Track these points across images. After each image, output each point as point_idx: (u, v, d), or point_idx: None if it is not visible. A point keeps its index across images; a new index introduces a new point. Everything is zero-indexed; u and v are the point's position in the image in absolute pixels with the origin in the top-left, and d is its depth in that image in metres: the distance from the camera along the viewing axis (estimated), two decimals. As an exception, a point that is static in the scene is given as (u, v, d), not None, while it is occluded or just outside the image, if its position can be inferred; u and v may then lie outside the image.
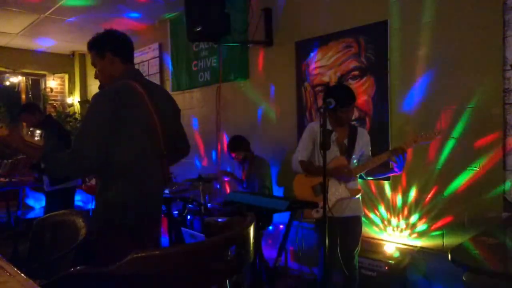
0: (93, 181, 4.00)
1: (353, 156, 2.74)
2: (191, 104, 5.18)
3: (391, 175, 2.90)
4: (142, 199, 2.03)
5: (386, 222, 3.29)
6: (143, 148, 2.01)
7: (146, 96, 2.02)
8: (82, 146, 1.86)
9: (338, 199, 2.68)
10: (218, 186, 4.82)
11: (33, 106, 4.24)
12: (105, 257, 1.87)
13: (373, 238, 3.33)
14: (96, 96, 1.96)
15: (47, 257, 2.01)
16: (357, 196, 2.74)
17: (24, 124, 4.26)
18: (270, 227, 3.98)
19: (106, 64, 2.11)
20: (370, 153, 2.80)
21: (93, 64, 2.16)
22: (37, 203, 6.01)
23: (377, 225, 3.34)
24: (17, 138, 1.93)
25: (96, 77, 2.17)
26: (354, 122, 3.15)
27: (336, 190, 2.68)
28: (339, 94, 2.64)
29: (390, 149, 3.15)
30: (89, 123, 1.93)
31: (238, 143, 3.94)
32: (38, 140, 1.99)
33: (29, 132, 7.27)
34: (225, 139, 4.70)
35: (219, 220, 3.64)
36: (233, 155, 3.94)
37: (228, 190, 4.72)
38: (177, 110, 2.33)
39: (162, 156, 2.11)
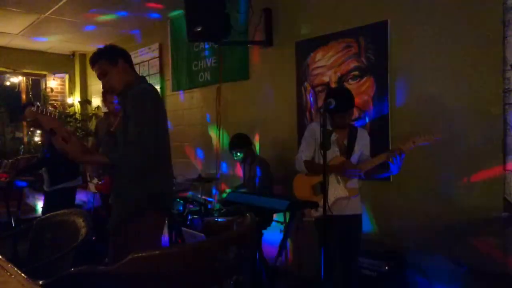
0: (95, 180, 3.99)
1: (353, 157, 2.74)
2: (191, 104, 5.18)
3: (388, 175, 2.90)
4: (171, 190, 2.40)
5: (386, 222, 3.29)
6: (166, 146, 2.29)
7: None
8: (141, 137, 2.04)
9: (337, 198, 2.69)
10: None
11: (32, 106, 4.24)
12: (144, 240, 2.09)
13: (373, 238, 3.33)
14: (143, 91, 2.17)
15: (47, 257, 2.01)
16: (356, 196, 2.75)
17: (25, 123, 4.27)
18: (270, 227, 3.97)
19: (120, 70, 2.25)
20: (369, 154, 2.80)
21: (103, 74, 2.27)
22: (37, 203, 6.02)
23: (377, 225, 3.34)
24: (77, 146, 1.98)
25: (106, 87, 2.31)
26: (354, 122, 3.15)
27: (335, 190, 2.69)
28: (338, 97, 2.64)
29: (389, 149, 3.16)
30: (143, 115, 2.10)
31: (238, 141, 3.92)
32: (38, 141, 2.02)
33: (29, 132, 7.28)
34: (225, 139, 4.70)
35: (219, 220, 3.64)
36: (234, 153, 3.92)
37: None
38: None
39: (170, 155, 2.36)
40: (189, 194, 4.43)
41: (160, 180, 2.22)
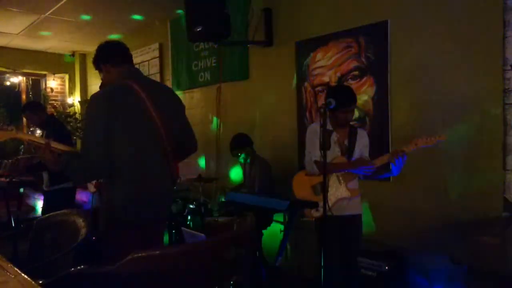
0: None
1: (353, 158, 2.74)
2: (191, 104, 5.18)
3: (388, 176, 2.90)
4: (146, 197, 2.06)
5: (386, 222, 3.29)
6: (143, 146, 2.05)
7: (145, 94, 2.05)
8: (88, 152, 1.93)
9: (338, 199, 2.68)
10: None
11: (36, 105, 4.23)
12: (112, 256, 1.90)
13: (373, 238, 3.33)
14: (91, 98, 2.06)
15: (47, 257, 2.01)
16: (357, 196, 2.75)
17: (25, 122, 4.27)
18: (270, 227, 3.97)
19: (104, 74, 2.22)
20: (367, 155, 2.79)
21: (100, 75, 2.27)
22: (37, 203, 6.01)
23: (377, 225, 3.34)
24: (47, 153, 1.95)
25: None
26: (354, 122, 3.15)
27: (336, 190, 2.69)
28: (339, 93, 2.65)
29: (390, 150, 3.16)
30: (89, 128, 2.01)
31: (239, 141, 3.91)
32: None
33: (29, 132, 7.29)
34: (225, 139, 4.70)
35: (219, 220, 3.64)
36: (235, 153, 3.91)
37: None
38: (181, 106, 2.37)
39: (167, 154, 2.13)
40: (189, 194, 4.44)
41: (127, 190, 2.01)
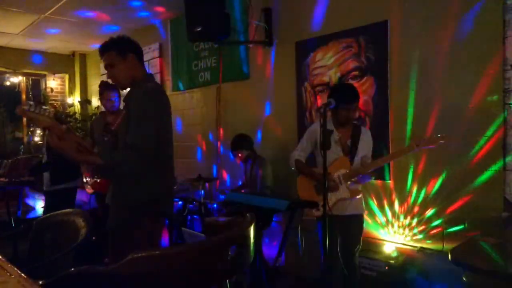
0: (89, 180, 3.98)
1: (356, 157, 2.73)
2: (191, 104, 5.18)
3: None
4: (170, 194, 2.28)
5: (386, 222, 3.29)
6: (169, 146, 2.20)
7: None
8: (142, 140, 1.96)
9: (339, 199, 2.68)
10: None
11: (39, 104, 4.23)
12: (142, 243, 2.05)
13: (373, 238, 3.33)
14: (149, 91, 2.07)
15: (47, 257, 2.01)
16: (358, 197, 2.74)
17: (25, 122, 4.27)
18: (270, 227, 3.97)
19: (128, 65, 2.16)
20: (370, 155, 2.79)
21: (111, 65, 2.17)
22: (37, 203, 6.02)
23: (377, 225, 3.34)
24: (71, 145, 1.87)
25: (111, 78, 2.20)
26: (355, 122, 3.15)
27: (337, 190, 2.68)
28: (341, 91, 2.66)
29: (390, 151, 3.16)
30: (147, 120, 2.01)
31: (240, 141, 3.92)
32: (38, 141, 1.99)
33: (29, 132, 7.28)
34: (225, 139, 4.70)
35: (219, 220, 3.63)
36: (236, 154, 3.92)
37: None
38: None
39: (172, 156, 2.27)
40: (189, 194, 4.43)
41: (158, 184, 2.12)
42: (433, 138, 2.53)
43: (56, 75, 7.41)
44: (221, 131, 4.74)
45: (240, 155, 3.89)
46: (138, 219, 2.06)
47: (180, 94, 5.26)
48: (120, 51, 2.14)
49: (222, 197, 4.55)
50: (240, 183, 4.39)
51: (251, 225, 1.29)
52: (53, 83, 7.39)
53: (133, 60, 2.16)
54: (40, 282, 1.03)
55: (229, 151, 4.01)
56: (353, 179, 2.67)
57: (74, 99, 7.55)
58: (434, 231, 3.00)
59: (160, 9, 5.03)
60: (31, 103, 1.81)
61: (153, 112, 2.03)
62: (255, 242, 1.30)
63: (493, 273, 1.65)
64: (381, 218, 3.32)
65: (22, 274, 0.95)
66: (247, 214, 1.38)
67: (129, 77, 2.16)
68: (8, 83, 7.02)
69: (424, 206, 3.05)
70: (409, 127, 3.11)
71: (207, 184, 4.68)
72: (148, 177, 2.08)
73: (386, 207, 3.28)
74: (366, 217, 3.26)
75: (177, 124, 5.26)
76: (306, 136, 2.86)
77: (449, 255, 1.78)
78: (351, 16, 3.43)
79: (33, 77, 7.26)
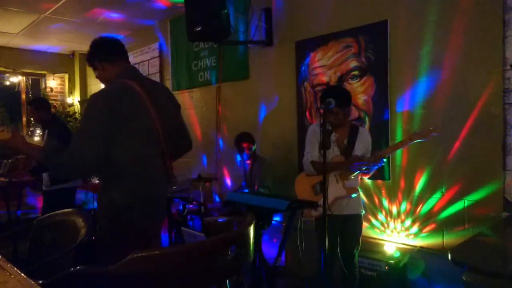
0: (95, 180, 4.00)
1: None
2: (191, 104, 5.18)
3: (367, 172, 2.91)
4: (146, 198, 2.03)
5: (386, 222, 3.29)
6: (143, 147, 2.02)
7: (144, 94, 2.03)
8: (80, 149, 1.86)
9: (335, 198, 2.69)
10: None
11: (40, 103, 4.22)
12: (110, 257, 1.85)
13: (373, 238, 3.33)
14: (92, 97, 1.99)
15: (47, 257, 2.00)
16: (354, 195, 2.74)
17: (24, 122, 4.27)
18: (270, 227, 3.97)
19: (100, 72, 2.17)
20: (369, 154, 2.79)
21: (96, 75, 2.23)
22: (37, 203, 6.01)
23: (377, 225, 3.34)
24: (19, 140, 1.95)
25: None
26: (354, 122, 3.15)
27: (334, 189, 2.69)
28: (332, 95, 2.64)
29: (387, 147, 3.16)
30: (87, 125, 1.94)
31: (247, 135, 3.95)
32: (38, 141, 2.02)
33: (29, 133, 7.27)
34: (225, 139, 4.70)
35: (219, 220, 3.63)
36: (245, 145, 3.92)
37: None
38: (178, 105, 2.35)
39: (164, 154, 2.11)
40: (189, 194, 4.43)
41: (126, 191, 1.97)
42: (425, 130, 2.52)
43: (56, 75, 7.41)
44: (221, 131, 4.74)
45: (249, 146, 3.91)
46: (108, 227, 2.00)
47: (180, 94, 5.25)
48: (90, 64, 2.19)
49: (218, 199, 4.56)
50: (244, 183, 4.39)
51: (250, 225, 1.29)
52: (52, 83, 7.39)
53: (100, 65, 2.15)
54: (40, 282, 1.03)
55: (229, 150, 4.01)
56: (349, 177, 2.68)
57: (74, 99, 7.55)
58: (434, 231, 3.00)
59: (160, 8, 5.03)
60: None
61: (97, 118, 1.90)
62: (255, 242, 1.30)
63: (493, 273, 1.64)
64: (381, 218, 3.32)
65: (22, 274, 0.95)
66: (247, 214, 1.38)
67: (106, 81, 2.18)
68: (8, 83, 7.02)
69: (424, 205, 3.05)
70: (409, 127, 3.11)
71: (207, 184, 4.68)
72: (110, 186, 1.99)
73: (386, 207, 3.28)
74: (366, 217, 3.27)
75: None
76: (309, 136, 2.84)
77: (449, 255, 1.78)
78: (351, 16, 3.43)
79: (33, 77, 7.27)
